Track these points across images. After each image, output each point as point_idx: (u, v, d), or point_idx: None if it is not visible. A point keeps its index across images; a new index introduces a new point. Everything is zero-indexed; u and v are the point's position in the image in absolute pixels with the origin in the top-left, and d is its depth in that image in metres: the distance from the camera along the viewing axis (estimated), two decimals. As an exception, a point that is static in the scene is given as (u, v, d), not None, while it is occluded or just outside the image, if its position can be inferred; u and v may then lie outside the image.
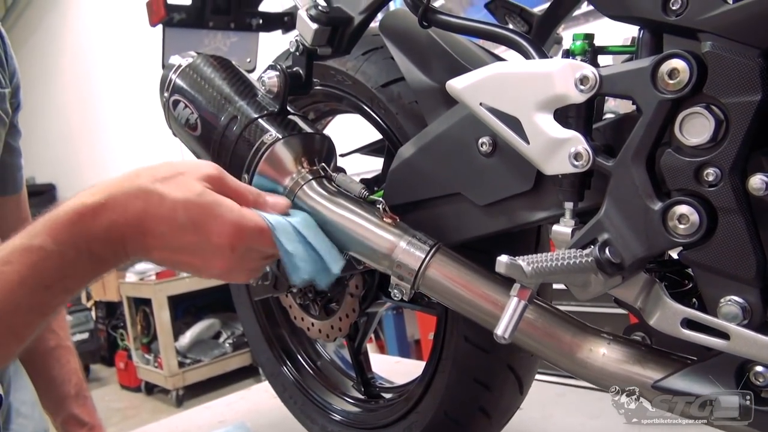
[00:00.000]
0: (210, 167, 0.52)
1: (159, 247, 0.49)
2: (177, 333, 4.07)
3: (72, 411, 0.94)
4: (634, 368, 0.47)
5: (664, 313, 0.42)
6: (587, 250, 0.44)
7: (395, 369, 1.29)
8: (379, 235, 0.57)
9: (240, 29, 1.04)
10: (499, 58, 0.66)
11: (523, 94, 0.47)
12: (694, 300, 0.47)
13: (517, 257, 0.42)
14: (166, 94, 0.73)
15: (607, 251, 0.43)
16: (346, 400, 0.94)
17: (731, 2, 0.37)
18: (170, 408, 3.94)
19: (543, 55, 0.51)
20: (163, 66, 1.01)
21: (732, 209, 0.39)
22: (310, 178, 0.61)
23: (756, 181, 0.37)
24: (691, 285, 0.51)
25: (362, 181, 0.76)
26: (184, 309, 4.34)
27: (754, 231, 0.38)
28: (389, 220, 0.58)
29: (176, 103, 0.72)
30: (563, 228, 0.48)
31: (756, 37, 0.36)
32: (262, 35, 1.06)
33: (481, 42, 0.71)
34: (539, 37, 0.76)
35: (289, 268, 0.54)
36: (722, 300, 0.40)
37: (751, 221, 0.38)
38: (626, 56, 0.51)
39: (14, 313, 0.45)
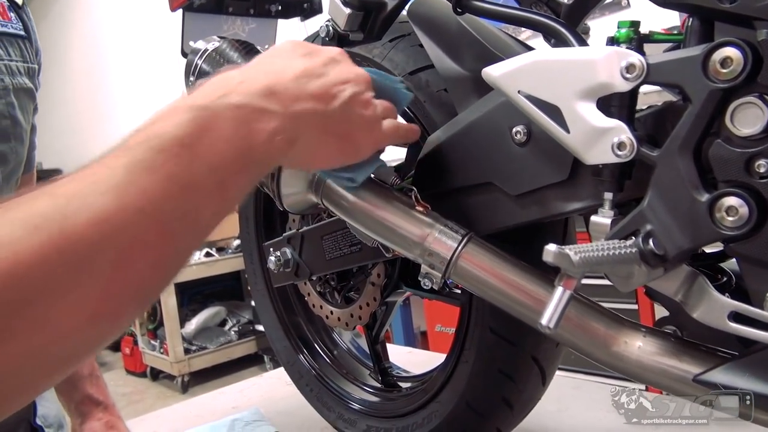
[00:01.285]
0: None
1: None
2: (183, 320, 4.09)
3: (87, 391, 0.95)
4: (671, 361, 0.47)
5: (711, 307, 0.41)
6: (630, 241, 0.43)
7: (408, 359, 1.29)
8: (411, 223, 0.57)
9: (259, 15, 1.04)
10: (528, 47, 0.65)
11: (565, 82, 0.46)
12: (727, 294, 0.47)
13: (564, 246, 0.41)
14: (191, 79, 0.72)
15: (650, 242, 0.43)
16: (364, 389, 0.94)
17: (792, -11, 0.36)
18: (175, 394, 3.96)
19: (583, 42, 0.50)
20: (182, 51, 1.00)
21: (784, 202, 0.38)
22: (340, 165, 0.60)
23: (811, 174, 0.36)
24: (725, 278, 0.50)
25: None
26: (191, 296, 4.36)
27: (807, 225, 0.38)
28: (421, 209, 0.57)
29: (202, 88, 0.71)
30: (602, 219, 0.47)
31: (816, 26, 0.36)
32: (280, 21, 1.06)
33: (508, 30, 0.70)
34: (571, 20, 0.75)
35: (400, 95, 0.58)
36: (769, 294, 0.40)
37: (803, 214, 0.38)
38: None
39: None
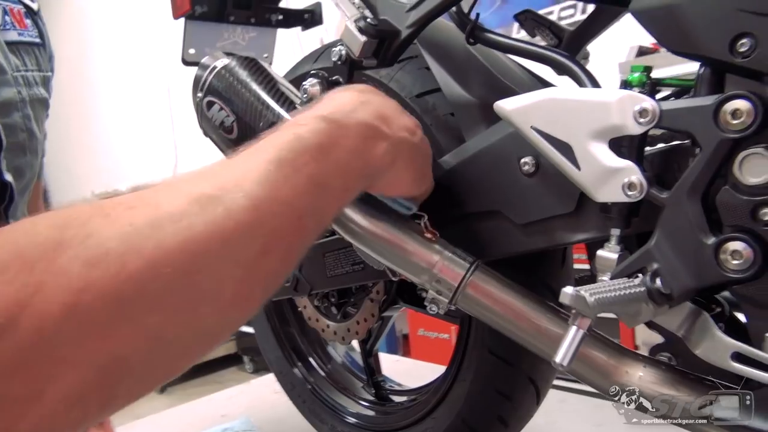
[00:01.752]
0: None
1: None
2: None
3: None
4: (670, 392, 0.49)
5: (714, 345, 0.43)
6: (638, 280, 0.45)
7: (396, 368, 1.30)
8: (419, 249, 0.58)
9: (259, 24, 1.04)
10: (539, 78, 0.67)
11: (578, 122, 0.48)
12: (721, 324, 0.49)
13: (579, 288, 0.43)
14: (199, 95, 0.73)
15: (657, 281, 0.44)
16: (358, 402, 0.95)
17: (802, 51, 0.38)
18: (153, 394, 3.91)
19: (595, 83, 0.52)
20: (183, 59, 1.00)
21: (787, 249, 0.40)
22: (351, 188, 0.61)
23: (815, 225, 0.39)
24: (719, 309, 0.52)
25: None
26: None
27: (809, 272, 0.40)
28: (430, 236, 0.58)
29: (210, 104, 0.71)
30: (609, 254, 0.49)
31: (823, 86, 0.37)
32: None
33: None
34: (569, 51, 0.77)
35: None
36: (769, 334, 0.42)
37: (805, 262, 0.40)
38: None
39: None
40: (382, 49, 0.62)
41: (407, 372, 1.20)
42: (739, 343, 0.42)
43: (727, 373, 0.47)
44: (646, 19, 0.46)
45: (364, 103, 0.52)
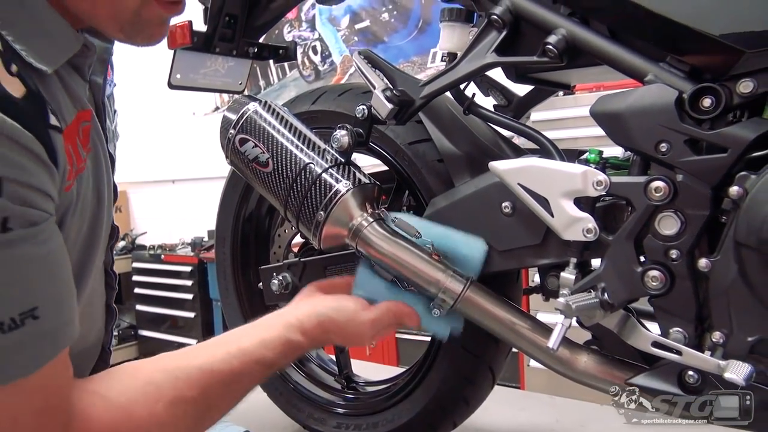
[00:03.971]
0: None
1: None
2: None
3: None
4: (608, 370, 0.72)
5: (640, 336, 0.66)
6: (593, 294, 0.67)
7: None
8: (429, 268, 0.77)
9: (239, 56, 1.18)
10: (508, 142, 0.88)
11: (554, 184, 0.70)
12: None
13: (565, 299, 0.64)
14: (232, 131, 0.86)
15: (605, 295, 0.67)
16: (335, 392, 1.12)
17: (699, 156, 0.62)
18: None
19: (562, 155, 0.74)
20: (169, 83, 1.12)
21: (684, 277, 0.64)
22: (372, 220, 0.79)
23: (701, 262, 0.63)
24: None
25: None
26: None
27: (696, 292, 0.64)
28: (436, 258, 0.78)
29: (244, 141, 0.85)
30: (568, 275, 0.71)
31: (709, 178, 0.62)
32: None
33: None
34: (517, 112, 1.00)
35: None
36: (672, 330, 0.66)
37: (695, 285, 0.64)
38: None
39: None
40: (400, 114, 0.80)
41: (362, 369, 1.37)
42: (656, 335, 0.65)
43: (636, 355, 0.71)
44: (600, 119, 0.69)
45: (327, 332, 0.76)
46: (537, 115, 2.14)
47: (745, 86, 0.60)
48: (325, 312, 0.76)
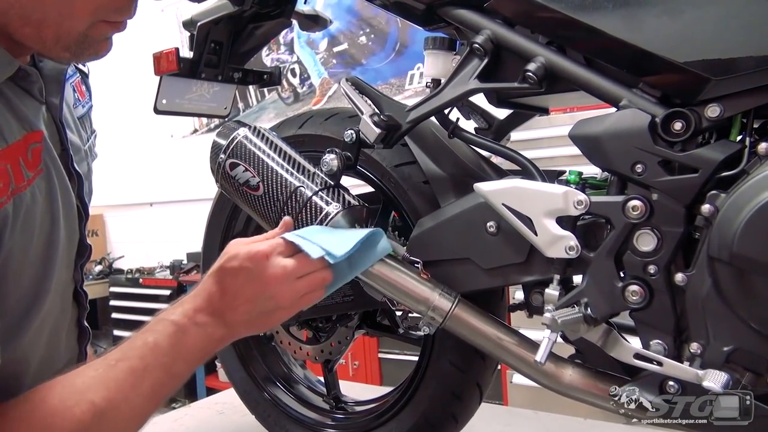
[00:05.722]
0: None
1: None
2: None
3: None
4: (593, 382, 0.74)
5: (623, 349, 0.69)
6: (577, 308, 0.70)
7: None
8: (419, 287, 0.79)
9: (224, 81, 1.20)
10: (490, 163, 0.92)
11: (537, 204, 0.73)
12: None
13: (552, 313, 0.67)
14: (222, 156, 0.88)
15: (588, 310, 0.70)
16: (323, 412, 1.13)
17: (672, 176, 0.66)
18: None
19: (544, 178, 0.77)
20: (155, 108, 1.14)
21: (662, 291, 0.67)
22: (361, 241, 0.81)
23: (678, 277, 0.66)
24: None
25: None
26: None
27: (674, 305, 0.67)
28: (425, 276, 0.80)
29: (234, 165, 0.87)
30: (552, 291, 0.74)
31: (682, 197, 0.65)
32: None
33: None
34: (497, 134, 1.04)
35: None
36: (652, 342, 0.69)
37: (673, 299, 0.67)
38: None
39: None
40: (387, 138, 0.83)
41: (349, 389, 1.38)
42: (638, 347, 0.68)
43: (617, 367, 0.74)
44: (578, 142, 0.72)
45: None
46: (515, 135, 2.20)
47: (713, 111, 0.64)
48: (213, 268, 0.71)
